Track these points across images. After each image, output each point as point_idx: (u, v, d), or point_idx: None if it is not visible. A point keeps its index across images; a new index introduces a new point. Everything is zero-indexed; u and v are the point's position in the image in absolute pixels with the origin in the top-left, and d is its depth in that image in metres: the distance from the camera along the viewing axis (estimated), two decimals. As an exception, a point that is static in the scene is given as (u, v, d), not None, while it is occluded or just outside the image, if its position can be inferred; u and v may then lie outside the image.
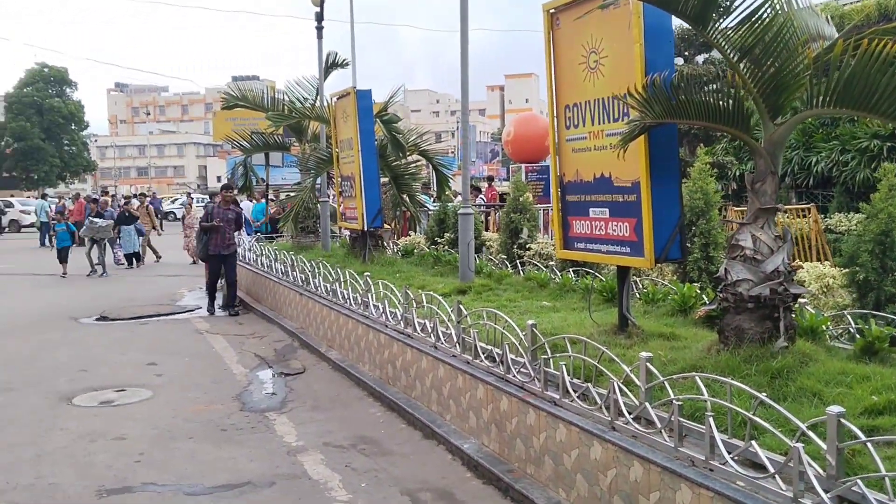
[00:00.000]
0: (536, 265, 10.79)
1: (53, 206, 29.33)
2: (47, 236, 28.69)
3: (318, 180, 15.75)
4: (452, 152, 52.91)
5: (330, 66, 16.24)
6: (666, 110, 5.23)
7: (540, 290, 9.14)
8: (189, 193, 32.30)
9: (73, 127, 74.86)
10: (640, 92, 5.29)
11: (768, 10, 5.00)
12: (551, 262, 10.56)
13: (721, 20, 5.06)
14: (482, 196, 19.89)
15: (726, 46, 5.10)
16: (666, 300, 7.35)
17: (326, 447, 6.64)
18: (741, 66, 5.10)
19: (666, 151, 5.79)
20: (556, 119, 6.80)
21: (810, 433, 3.58)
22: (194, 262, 20.71)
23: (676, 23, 5.80)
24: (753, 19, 4.98)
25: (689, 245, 8.49)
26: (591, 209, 6.47)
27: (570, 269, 9.55)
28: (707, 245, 8.37)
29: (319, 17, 16.31)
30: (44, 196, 39.52)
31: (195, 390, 8.54)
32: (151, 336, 11.89)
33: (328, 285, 10.52)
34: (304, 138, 16.91)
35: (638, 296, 7.87)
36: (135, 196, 27.85)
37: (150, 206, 24.54)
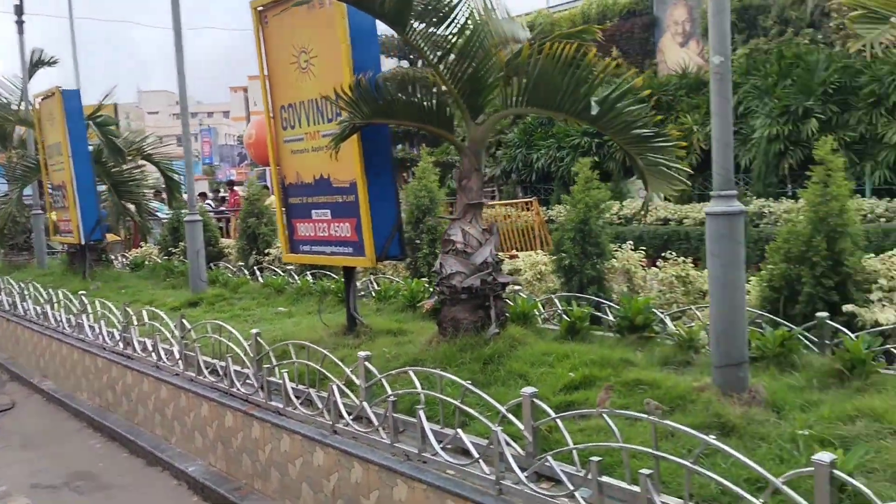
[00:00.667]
0: (275, 270, 10.53)
1: None
2: None
3: (28, 190, 14.17)
4: (197, 156, 50.52)
5: (35, 64, 14.64)
6: (374, 111, 5.28)
7: (277, 295, 8.93)
8: None
9: None
10: (348, 92, 5.28)
11: (464, 14, 5.23)
12: (290, 267, 10.36)
13: (418, 22, 5.18)
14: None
15: (426, 48, 5.25)
16: (397, 296, 7.49)
17: (35, 489, 5.96)
18: (441, 67, 5.28)
19: (380, 151, 5.85)
20: (273, 120, 6.64)
21: (510, 416, 3.76)
22: None
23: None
24: (449, 22, 5.18)
25: (418, 241, 8.74)
26: (313, 211, 6.38)
27: (309, 273, 9.44)
28: (434, 241, 8.65)
29: (19, 11, 14.71)
30: None
31: None
32: None
33: (38, 308, 9.47)
34: (9, 144, 15.14)
35: (372, 294, 7.96)
36: None
37: None
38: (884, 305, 5.32)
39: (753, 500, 2.78)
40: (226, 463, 5.66)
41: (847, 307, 5.37)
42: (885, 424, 3.56)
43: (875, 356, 4.41)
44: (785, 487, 2.71)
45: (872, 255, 6.01)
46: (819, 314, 5.00)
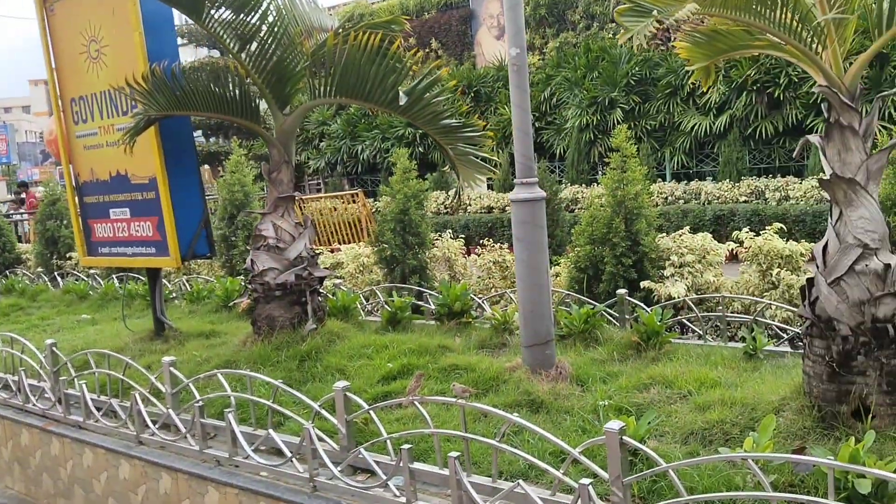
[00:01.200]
0: (78, 275, 9.81)
1: None
2: None
3: None
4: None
5: None
6: (171, 102, 5.00)
7: (80, 302, 8.35)
8: None
9: None
10: (142, 83, 4.97)
11: (266, 1, 5.06)
12: (94, 271, 9.67)
13: (216, 10, 4.96)
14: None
15: (225, 37, 5.04)
16: (211, 297, 7.19)
17: None
18: (243, 56, 5.09)
19: (181, 145, 5.58)
20: (63, 114, 6.14)
21: (324, 412, 3.69)
22: None
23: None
24: (249, 8, 4.99)
25: (232, 238, 8.43)
26: (111, 210, 5.97)
27: (115, 276, 8.85)
28: (249, 237, 8.36)
29: None
30: None
31: None
32: None
33: None
34: None
35: (184, 296, 7.60)
36: None
37: None
38: (675, 280, 5.73)
39: (555, 471, 2.88)
40: (24, 484, 5.21)
41: (644, 283, 5.73)
42: (676, 390, 3.83)
43: (668, 327, 4.74)
44: (582, 457, 2.83)
45: (665, 234, 6.46)
46: (619, 291, 5.31)
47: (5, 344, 5.82)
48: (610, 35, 16.64)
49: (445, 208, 14.38)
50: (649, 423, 3.25)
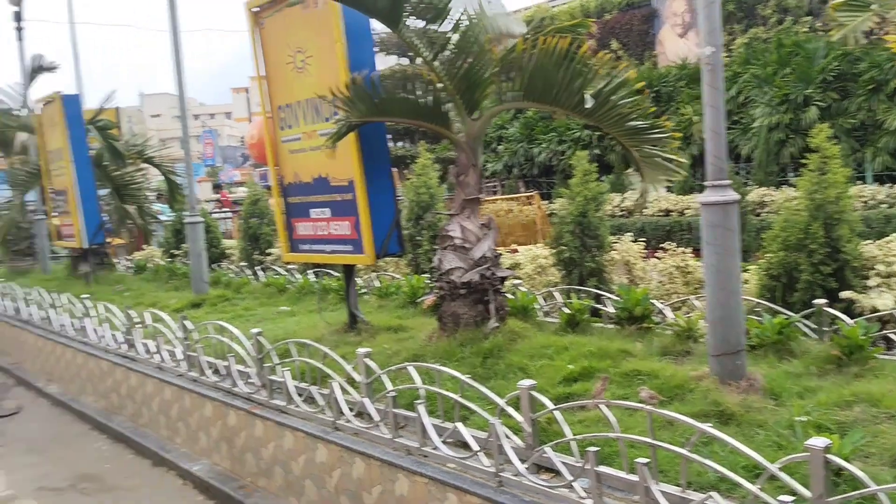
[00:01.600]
0: (277, 270, 10.57)
1: None
2: None
3: (31, 196, 14.24)
4: (200, 158, 50.65)
5: (35, 70, 14.70)
6: (370, 108, 5.30)
7: (279, 295, 8.97)
8: None
9: None
10: (344, 91, 5.30)
11: (458, 10, 5.25)
12: (292, 266, 10.39)
13: (412, 19, 5.20)
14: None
15: (420, 45, 5.27)
16: (398, 293, 7.51)
17: (41, 492, 6.00)
18: (436, 64, 5.30)
19: (377, 149, 5.88)
20: (270, 120, 6.67)
21: (509, 408, 3.79)
22: None
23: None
24: (444, 18, 5.20)
25: (418, 238, 8.76)
26: (312, 210, 6.41)
27: (310, 272, 9.47)
28: (434, 237, 8.65)
29: (18, 17, 14.74)
30: None
31: None
32: None
33: (43, 313, 9.52)
34: (11, 151, 15.21)
35: (374, 291, 7.98)
36: None
37: None
38: (881, 291, 5.32)
39: (750, 486, 2.80)
40: (230, 462, 5.70)
41: (845, 294, 5.38)
42: (882, 409, 3.58)
43: (873, 342, 4.42)
44: (781, 473, 2.73)
45: (870, 241, 6.01)
46: (817, 301, 5.01)
47: (216, 332, 6.42)
48: (805, 29, 15.64)
49: (621, 211, 14.13)
50: (854, 442, 3.08)
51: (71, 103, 11.22)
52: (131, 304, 8.42)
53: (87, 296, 8.88)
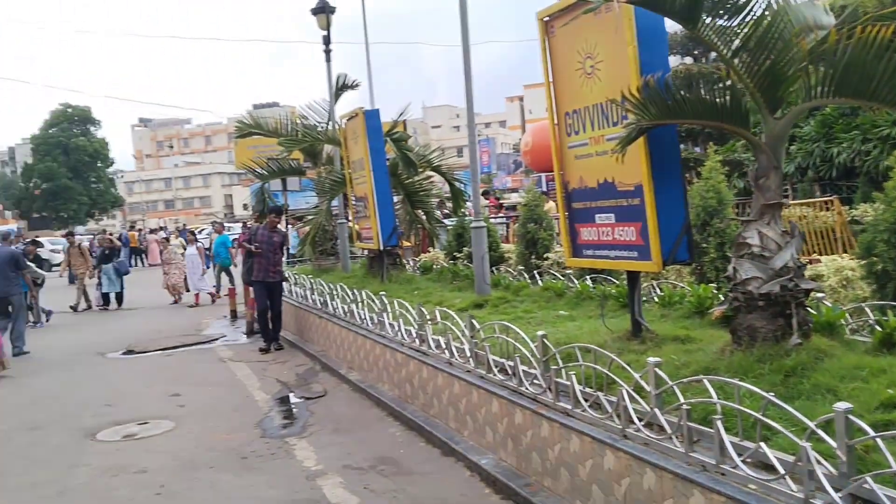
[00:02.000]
0: (554, 275, 10.71)
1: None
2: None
3: (335, 202, 15.82)
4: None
5: (340, 88, 16.33)
6: (662, 111, 5.17)
7: (557, 299, 9.07)
8: (214, 222, 32.22)
9: (98, 164, 76.68)
10: (636, 94, 5.24)
11: (759, 5, 4.95)
12: (569, 271, 10.48)
13: (711, 17, 5.00)
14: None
15: (719, 43, 5.05)
16: (682, 302, 7.25)
17: (346, 470, 6.61)
18: (735, 61, 5.04)
19: (667, 153, 5.72)
20: (556, 127, 6.77)
21: (820, 431, 3.49)
22: (175, 302, 20.59)
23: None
24: (744, 13, 4.93)
25: (704, 245, 8.39)
26: (596, 215, 6.41)
27: (588, 277, 9.47)
28: (723, 244, 8.24)
29: (327, 41, 16.46)
30: (70, 235, 39.34)
31: (217, 419, 8.58)
32: (176, 367, 11.99)
33: (346, 307, 10.53)
34: (319, 161, 17.02)
35: (655, 299, 7.78)
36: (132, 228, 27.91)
37: (84, 246, 22.28)
38: None
39: None
40: (516, 458, 5.87)
41: None
42: None
43: None
44: None
45: None
46: None
47: (501, 332, 6.65)
48: None
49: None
50: None
51: (372, 117, 12.30)
52: (421, 301, 9.01)
53: (383, 293, 9.67)
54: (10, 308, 13.72)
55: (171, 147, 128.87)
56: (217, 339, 14.47)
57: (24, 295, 14.70)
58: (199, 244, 21.39)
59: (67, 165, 72.85)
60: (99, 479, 6.79)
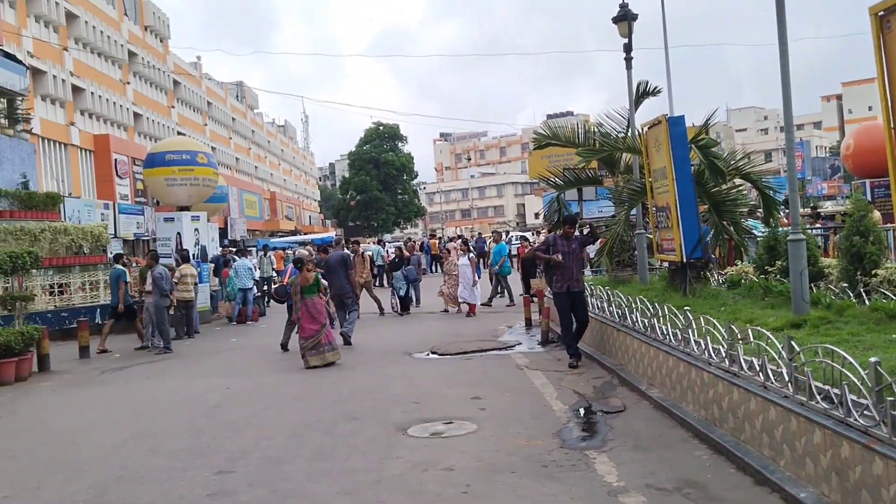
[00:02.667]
0: (885, 293, 9.47)
1: (389, 251, 32.20)
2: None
3: (633, 212, 15.53)
4: (785, 171, 49.01)
5: (640, 95, 16.05)
6: None
7: (889, 321, 8.02)
8: (500, 231, 33.20)
9: (404, 177, 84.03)
10: None
11: None
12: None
13: None
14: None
15: None
16: None
17: (649, 489, 6.40)
18: None
19: None
20: (893, 130, 5.98)
21: None
22: (445, 311, 21.22)
23: None
24: None
25: None
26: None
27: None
28: None
29: (628, 49, 16.27)
30: (380, 242, 43.04)
31: (516, 425, 8.79)
32: (475, 371, 12.54)
33: (646, 320, 10.25)
34: (617, 170, 16.81)
35: None
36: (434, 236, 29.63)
37: (367, 255, 23.63)
38: None
39: None
40: (841, 495, 5.26)
41: None
42: None
43: None
44: None
45: None
46: None
47: (824, 355, 6.00)
48: None
49: None
50: None
51: (676, 124, 11.86)
52: (729, 318, 8.47)
53: (687, 308, 9.25)
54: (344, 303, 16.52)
55: (469, 159, 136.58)
56: (514, 347, 14.92)
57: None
58: (471, 255, 21.46)
59: (378, 178, 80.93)
60: (410, 472, 7.27)
